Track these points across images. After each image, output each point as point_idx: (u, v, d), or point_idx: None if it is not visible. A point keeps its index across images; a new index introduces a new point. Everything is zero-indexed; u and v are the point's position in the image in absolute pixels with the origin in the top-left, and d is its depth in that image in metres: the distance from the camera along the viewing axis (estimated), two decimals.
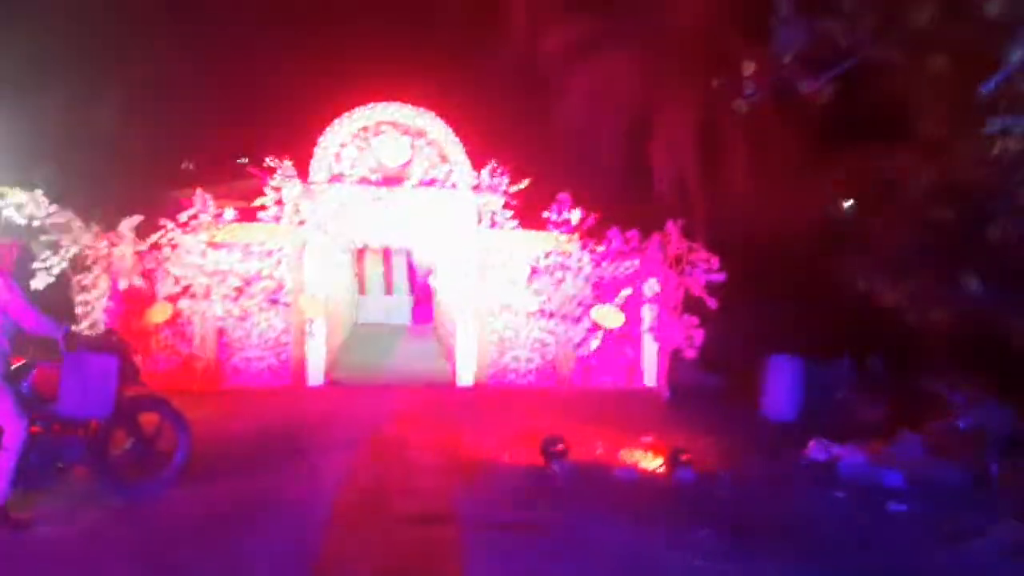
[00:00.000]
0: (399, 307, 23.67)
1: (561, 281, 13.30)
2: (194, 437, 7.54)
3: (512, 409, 11.71)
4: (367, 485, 7.90)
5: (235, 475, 7.91)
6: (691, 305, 13.09)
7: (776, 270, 14.71)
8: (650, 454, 9.30)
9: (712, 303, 12.72)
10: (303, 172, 12.98)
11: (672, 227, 12.83)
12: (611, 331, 13.60)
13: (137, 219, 12.14)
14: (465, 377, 13.29)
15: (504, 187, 13.31)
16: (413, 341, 20.37)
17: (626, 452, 9.38)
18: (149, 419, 7.37)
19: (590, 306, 13.38)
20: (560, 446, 8.52)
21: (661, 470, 8.75)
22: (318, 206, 12.92)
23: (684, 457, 8.62)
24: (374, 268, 23.24)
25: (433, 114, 13.25)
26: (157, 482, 7.24)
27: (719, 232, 13.95)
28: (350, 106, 13.11)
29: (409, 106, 13.21)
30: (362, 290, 23.62)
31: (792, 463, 9.39)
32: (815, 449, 9.45)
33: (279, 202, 12.88)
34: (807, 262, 13.45)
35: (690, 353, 12.92)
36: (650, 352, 13.68)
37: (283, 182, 12.83)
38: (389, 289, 23.87)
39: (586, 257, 13.27)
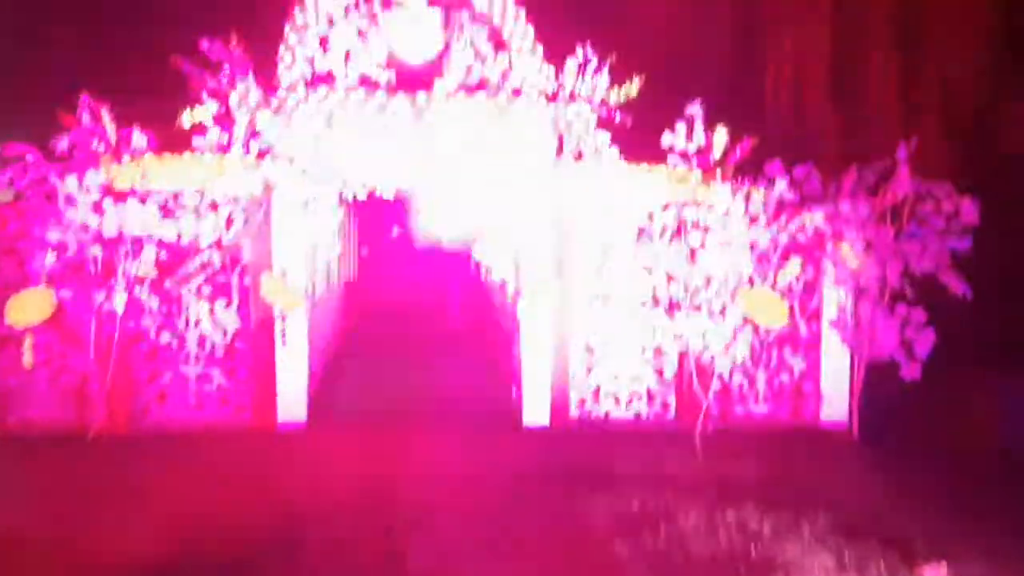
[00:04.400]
0: None
1: (694, 250, 8.00)
2: None
3: (622, 483, 6.65)
4: None
5: None
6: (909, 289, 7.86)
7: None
8: None
9: (959, 286, 7.47)
10: (267, 72, 7.76)
11: (902, 153, 7.50)
12: (768, 331, 8.37)
13: None
14: (536, 412, 8.14)
15: (601, 93, 8.00)
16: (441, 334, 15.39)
17: None
18: None
19: (735, 290, 8.10)
20: None
21: None
22: (291, 126, 7.72)
23: None
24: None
25: None
26: None
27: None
28: None
29: None
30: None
31: None
32: None
33: (226, 119, 7.70)
34: None
35: (910, 370, 7.65)
36: (834, 365, 8.42)
37: (234, 86, 7.61)
38: None
39: (737, 209, 7.93)
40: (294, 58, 7.74)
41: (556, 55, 7.98)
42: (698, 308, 8.01)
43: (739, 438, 8.07)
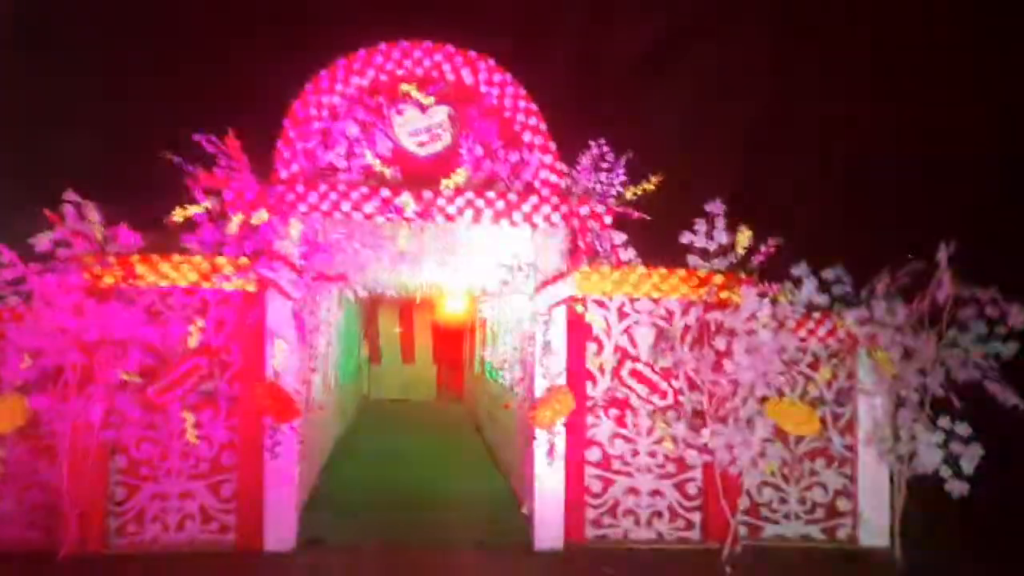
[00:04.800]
0: (421, 379, 19.37)
1: (719, 355, 7.44)
2: None
3: None
4: None
5: None
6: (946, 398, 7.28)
7: None
8: None
9: (1007, 396, 6.92)
10: (263, 167, 7.37)
11: (943, 257, 7.03)
12: (799, 443, 7.75)
13: None
14: (549, 534, 7.43)
15: (615, 187, 7.59)
16: (444, 431, 15.02)
17: None
18: None
19: (763, 399, 7.49)
20: None
21: None
22: (288, 223, 7.27)
23: None
24: (389, 327, 18.84)
25: (490, 63, 7.61)
26: None
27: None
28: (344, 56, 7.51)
29: (450, 49, 7.59)
30: (375, 357, 19.27)
31: None
32: None
33: (220, 216, 7.26)
34: None
35: (956, 487, 7.01)
36: (872, 481, 7.76)
37: (229, 181, 7.20)
38: (409, 355, 19.25)
39: (763, 312, 7.39)
40: (293, 152, 7.35)
41: (570, 151, 7.60)
42: (724, 419, 7.40)
43: (770, 560, 7.35)
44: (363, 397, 18.33)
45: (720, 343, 7.40)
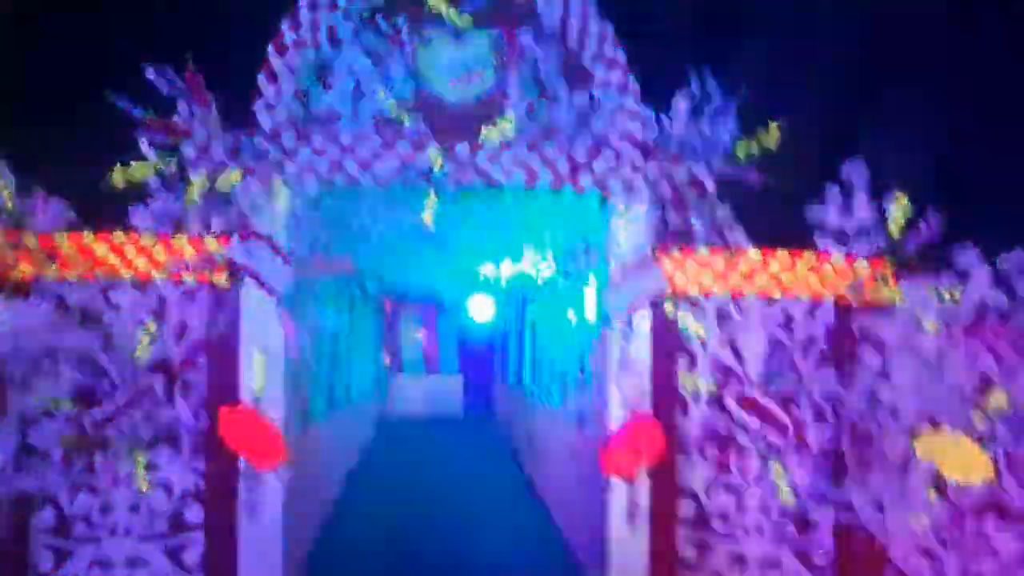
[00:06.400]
0: (447, 391, 17.85)
1: (856, 373, 5.38)
2: None
3: None
4: None
5: None
6: None
7: None
8: None
9: None
10: (237, 112, 5.35)
11: None
12: (963, 492, 5.70)
13: None
14: None
15: (722, 141, 5.50)
16: (475, 457, 13.25)
17: None
18: None
19: (916, 433, 5.43)
20: None
21: None
22: (273, 191, 5.25)
23: None
24: (408, 332, 17.64)
25: None
26: None
27: None
28: None
29: None
30: (396, 368, 18.09)
31: None
32: None
33: (178, 178, 5.27)
34: None
35: None
36: None
37: (190, 132, 5.19)
38: (433, 364, 17.98)
39: (921, 316, 5.31)
40: (279, 92, 5.31)
41: (659, 92, 5.51)
42: (870, 462, 5.37)
43: None
44: (382, 413, 16.82)
45: (869, 357, 5.35)
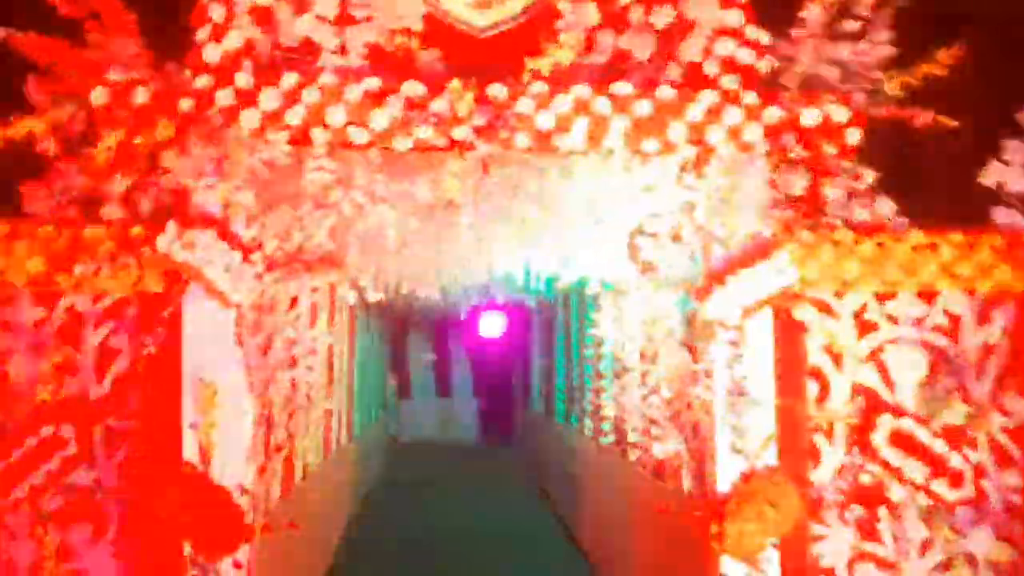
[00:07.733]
0: (460, 416, 17.38)
1: None
2: None
3: None
4: None
5: None
6: None
7: None
8: None
9: None
10: (168, 41, 3.72)
11: None
12: None
13: None
14: None
15: (866, 73, 3.85)
16: (495, 497, 11.61)
17: None
18: None
19: None
20: None
21: None
22: (225, 156, 3.61)
23: None
24: (417, 351, 16.80)
25: None
26: None
27: None
28: None
29: None
30: (404, 391, 17.29)
31: None
32: None
33: (87, 138, 3.65)
34: None
35: None
36: None
37: (96, 63, 3.56)
38: (444, 387, 17.36)
39: None
40: (230, 13, 3.67)
41: (779, 5, 3.87)
42: None
43: None
44: (389, 440, 16.00)
45: None
